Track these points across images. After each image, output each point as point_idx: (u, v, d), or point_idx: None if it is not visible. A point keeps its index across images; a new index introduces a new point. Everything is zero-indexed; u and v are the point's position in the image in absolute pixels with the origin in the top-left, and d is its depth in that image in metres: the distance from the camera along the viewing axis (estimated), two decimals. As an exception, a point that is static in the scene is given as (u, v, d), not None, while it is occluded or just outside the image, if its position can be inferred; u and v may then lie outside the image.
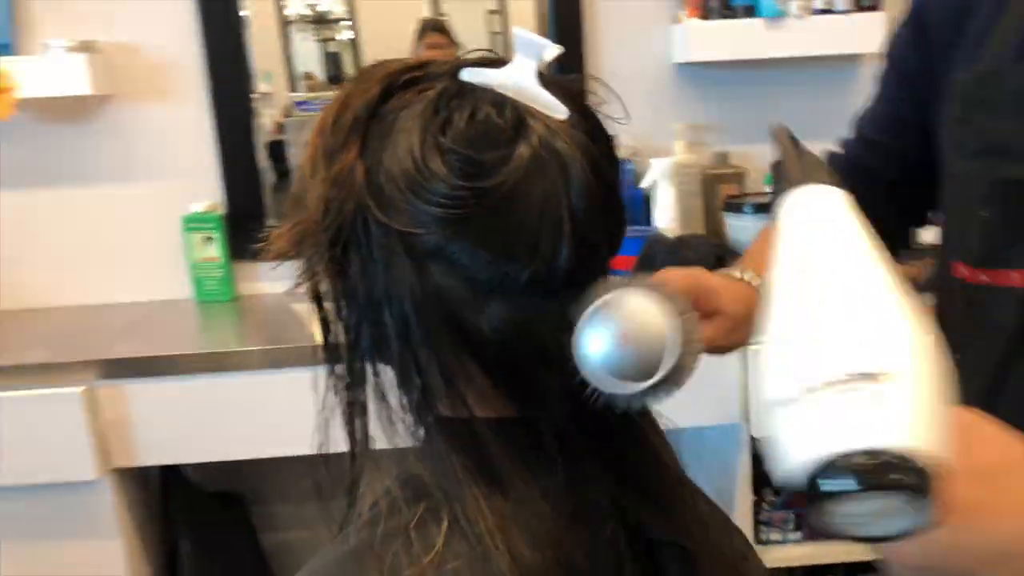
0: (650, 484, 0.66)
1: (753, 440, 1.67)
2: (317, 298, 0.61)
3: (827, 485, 0.41)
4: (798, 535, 1.87)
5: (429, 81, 0.59)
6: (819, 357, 0.44)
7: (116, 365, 1.66)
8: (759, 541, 1.84)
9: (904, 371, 0.43)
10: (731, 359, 1.62)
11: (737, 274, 0.89)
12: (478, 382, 0.59)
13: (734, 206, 1.85)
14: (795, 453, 0.43)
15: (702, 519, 0.69)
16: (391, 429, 0.61)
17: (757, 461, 1.68)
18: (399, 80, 0.59)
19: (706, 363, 1.82)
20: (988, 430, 0.49)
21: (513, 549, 0.57)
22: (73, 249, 2.08)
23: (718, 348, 0.83)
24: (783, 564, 1.87)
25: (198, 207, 2.01)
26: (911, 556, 0.47)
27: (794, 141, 0.61)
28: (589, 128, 0.59)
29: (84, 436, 1.62)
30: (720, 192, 1.99)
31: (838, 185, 0.57)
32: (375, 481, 0.64)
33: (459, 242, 0.55)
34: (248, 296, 2.08)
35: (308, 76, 2.15)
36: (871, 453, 0.41)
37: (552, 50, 0.60)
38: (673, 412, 1.79)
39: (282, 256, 0.60)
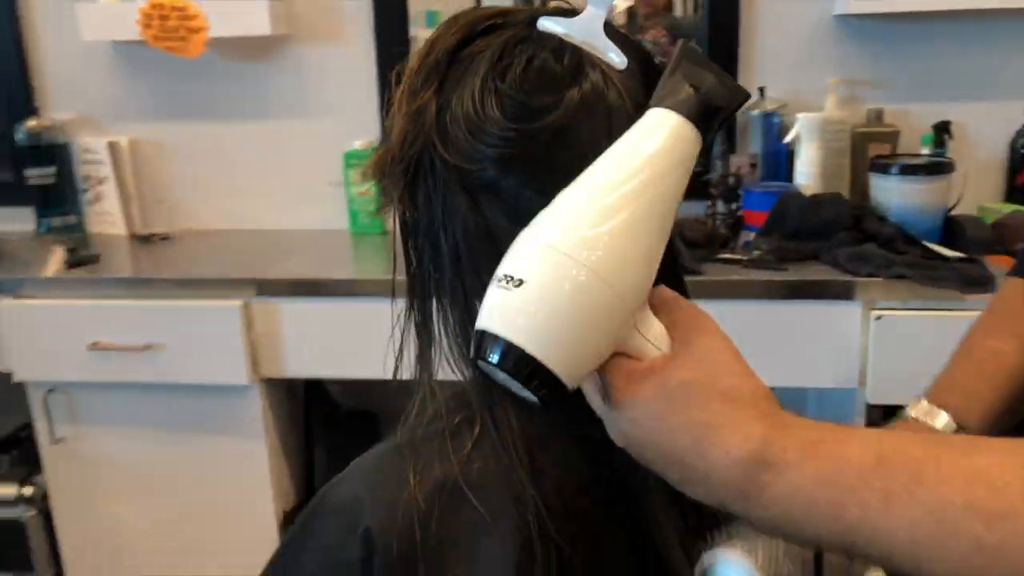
0: None
1: (869, 407, 1.63)
2: (402, 225, 0.67)
3: (476, 353, 0.55)
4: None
5: (508, 28, 0.64)
6: (508, 254, 0.55)
7: (272, 284, 1.82)
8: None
9: (533, 283, 0.53)
10: (853, 326, 1.59)
11: (912, 413, 0.85)
12: None
13: (881, 166, 1.78)
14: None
15: None
16: (451, 353, 0.67)
17: (873, 427, 1.64)
18: (480, 26, 0.64)
19: (827, 327, 1.82)
20: (718, 360, 0.55)
21: (535, 463, 0.63)
22: (247, 177, 2.27)
23: None
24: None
25: (358, 144, 2.15)
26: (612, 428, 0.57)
27: (684, 59, 0.59)
28: (647, 79, 0.63)
29: (240, 346, 1.80)
30: (871, 152, 1.91)
31: (693, 114, 0.57)
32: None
33: (508, 179, 0.60)
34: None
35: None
36: (487, 335, 0.53)
37: (622, 2, 0.65)
38: (793, 372, 1.79)
39: (369, 180, 0.68)
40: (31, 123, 2.27)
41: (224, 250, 2.15)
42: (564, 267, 0.53)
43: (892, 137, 1.93)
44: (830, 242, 1.66)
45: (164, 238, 2.25)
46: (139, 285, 1.88)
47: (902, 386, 1.59)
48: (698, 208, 1.94)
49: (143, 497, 1.97)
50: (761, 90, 1.99)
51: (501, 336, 0.53)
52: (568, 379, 0.53)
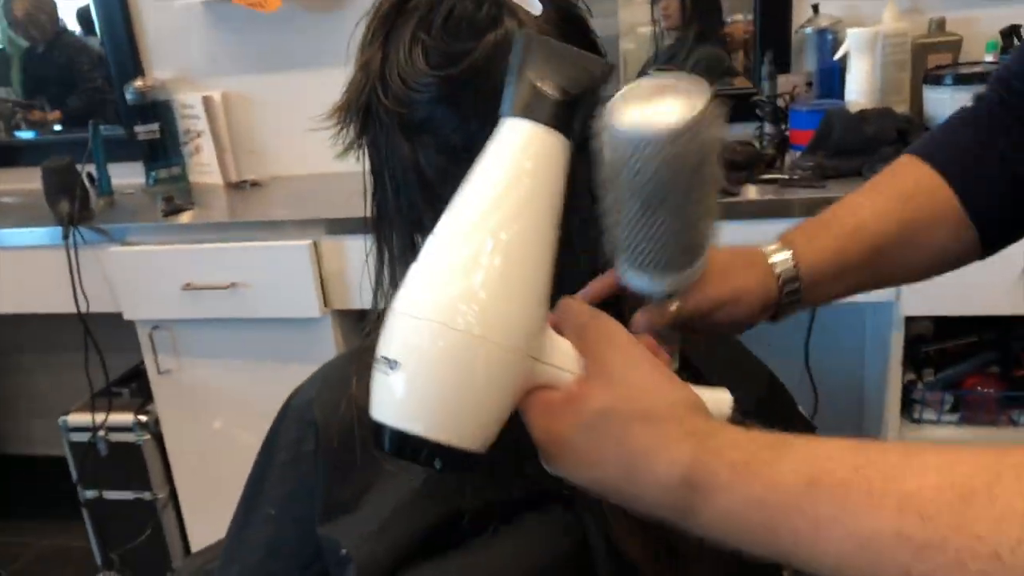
0: None
1: (907, 320, 1.62)
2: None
3: (375, 445, 0.52)
4: (954, 416, 1.80)
5: None
6: (383, 333, 0.53)
7: (339, 224, 1.94)
8: (912, 420, 1.79)
9: (409, 363, 0.50)
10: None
11: (768, 248, 0.77)
12: None
13: (934, 77, 1.72)
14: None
15: None
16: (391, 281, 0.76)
17: (913, 341, 1.63)
18: None
19: None
20: (630, 378, 0.53)
21: None
22: (320, 124, 2.40)
23: (706, 327, 0.73)
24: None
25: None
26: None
27: (527, 55, 0.55)
28: (562, 24, 0.69)
29: (311, 281, 1.94)
30: (930, 63, 1.85)
31: (546, 115, 0.53)
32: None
33: (436, 118, 0.67)
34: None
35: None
36: (380, 426, 0.51)
37: None
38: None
39: (331, 126, 0.77)
40: (138, 83, 2.45)
41: (303, 193, 2.30)
42: (437, 337, 0.50)
43: (953, 46, 1.86)
44: (873, 158, 1.63)
45: (255, 184, 2.42)
46: (223, 229, 2.04)
47: (934, 299, 1.58)
48: (748, 129, 1.93)
49: (237, 420, 2.16)
50: (815, 7, 1.94)
51: (388, 426, 0.51)
52: (476, 445, 0.52)
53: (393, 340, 0.52)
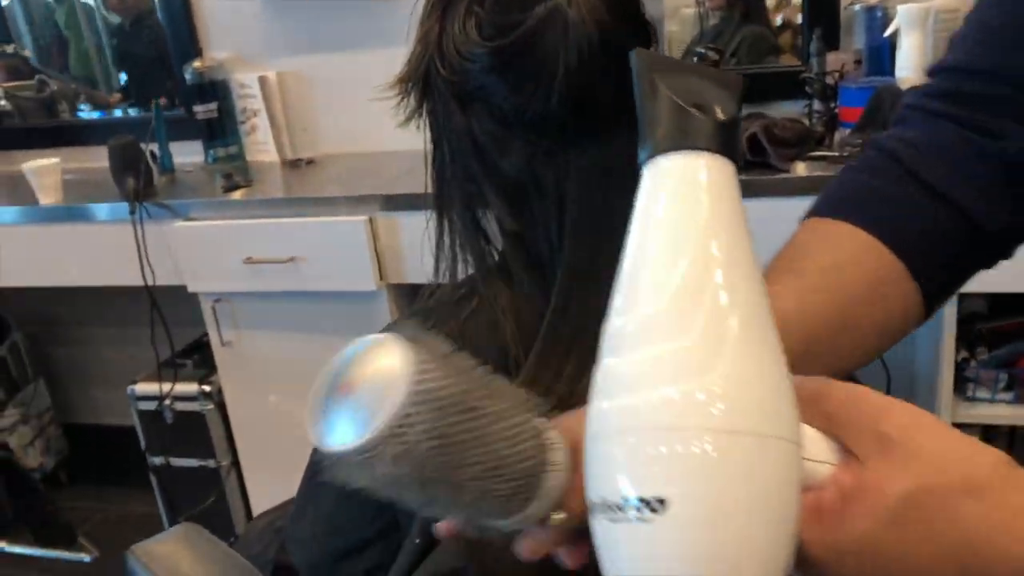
0: None
1: (961, 297, 1.63)
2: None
3: None
4: (1009, 395, 1.81)
5: None
6: (596, 468, 0.41)
7: (393, 200, 2.00)
8: (965, 398, 1.81)
9: (683, 494, 0.38)
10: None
11: None
12: (498, 205, 0.79)
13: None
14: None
15: None
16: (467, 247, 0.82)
17: (967, 319, 1.64)
18: None
19: None
20: (926, 446, 0.42)
21: (516, 320, 0.77)
22: (372, 104, 2.45)
23: None
24: (988, 422, 1.83)
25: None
26: None
27: (655, 74, 0.44)
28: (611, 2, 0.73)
29: (367, 256, 2.01)
30: (982, 38, 1.85)
31: (717, 143, 0.43)
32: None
33: (488, 85, 0.73)
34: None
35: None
36: None
37: None
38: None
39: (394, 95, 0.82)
40: (196, 64, 2.52)
41: (357, 170, 2.36)
42: (732, 448, 0.38)
43: (1006, 21, 1.85)
44: (922, 134, 1.65)
45: (310, 162, 2.49)
46: (282, 205, 2.12)
47: (988, 275, 1.59)
48: (797, 107, 1.94)
49: (296, 391, 2.22)
50: (865, -17, 1.95)
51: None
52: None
53: (639, 469, 0.39)
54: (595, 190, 0.75)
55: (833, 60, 1.94)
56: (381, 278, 2.03)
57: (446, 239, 0.82)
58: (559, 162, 0.74)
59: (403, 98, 0.79)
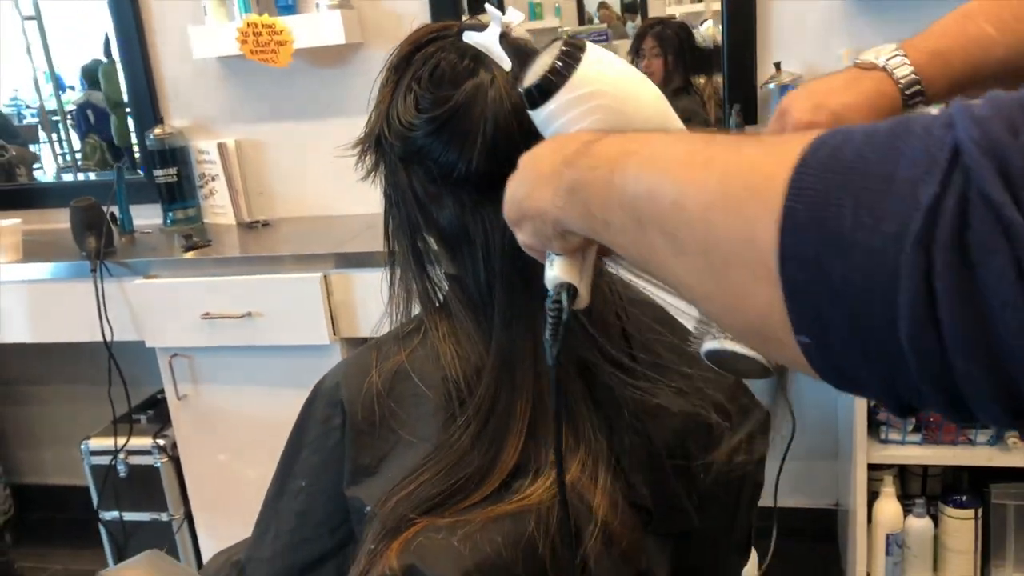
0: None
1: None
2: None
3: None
4: (917, 437, 1.96)
5: (444, 39, 0.89)
6: None
7: (347, 257, 2.13)
8: (879, 440, 1.96)
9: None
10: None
11: (873, 58, 0.78)
12: (439, 252, 0.92)
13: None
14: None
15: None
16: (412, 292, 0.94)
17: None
18: (426, 38, 0.89)
19: None
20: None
21: (454, 351, 0.89)
22: (329, 169, 2.59)
23: None
24: (901, 462, 1.99)
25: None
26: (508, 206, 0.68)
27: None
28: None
29: (321, 311, 2.12)
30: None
31: None
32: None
33: (424, 148, 0.85)
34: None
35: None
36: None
37: (513, 17, 0.88)
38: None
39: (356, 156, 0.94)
40: (157, 131, 2.65)
41: (310, 232, 2.49)
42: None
43: (901, 100, 2.06)
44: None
45: (265, 224, 2.61)
46: (240, 263, 2.23)
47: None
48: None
49: (250, 443, 2.31)
50: (777, 65, 2.16)
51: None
52: None
53: None
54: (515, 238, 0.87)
55: (751, 133, 2.14)
56: (334, 332, 2.14)
57: (396, 283, 0.95)
58: (484, 215, 0.86)
59: (361, 157, 0.92)
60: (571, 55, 0.68)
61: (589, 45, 0.70)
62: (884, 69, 0.76)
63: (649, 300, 0.94)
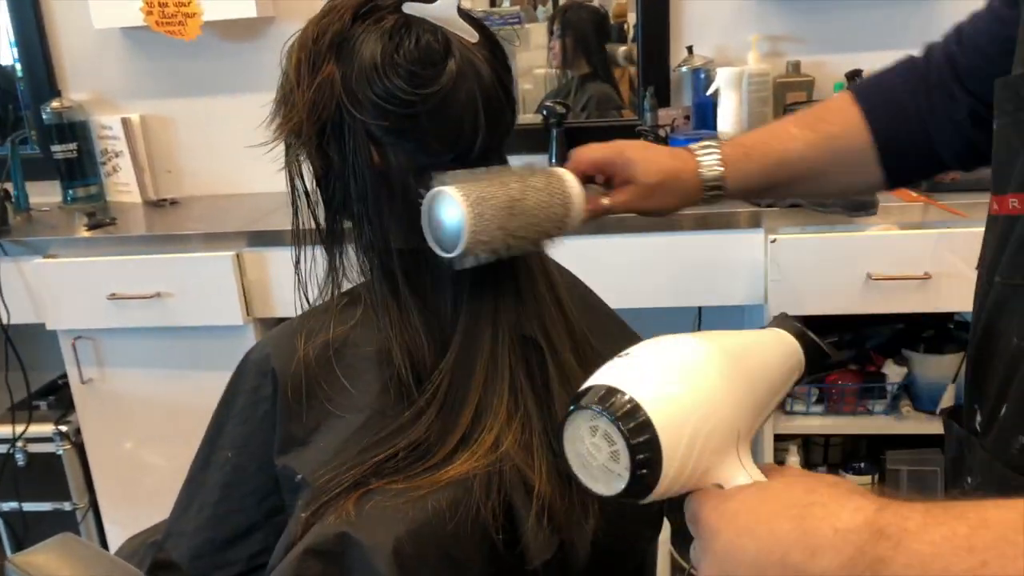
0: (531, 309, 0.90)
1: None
2: (299, 177, 0.90)
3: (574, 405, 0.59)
4: (820, 407, 2.05)
5: (380, 12, 0.85)
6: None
7: (259, 236, 2.09)
8: (785, 412, 2.04)
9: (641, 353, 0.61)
10: (756, 249, 1.82)
11: (693, 146, 0.97)
12: (396, 227, 0.89)
13: (792, 111, 1.99)
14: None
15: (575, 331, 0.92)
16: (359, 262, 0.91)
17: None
18: (360, 11, 0.85)
19: (736, 248, 2.06)
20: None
21: (401, 328, 0.87)
22: (239, 146, 2.53)
23: (640, 211, 0.98)
24: (805, 432, 2.08)
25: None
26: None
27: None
28: (491, 47, 0.86)
29: (234, 290, 2.08)
30: (788, 100, 2.12)
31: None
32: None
33: (408, 131, 0.82)
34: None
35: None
36: (601, 388, 0.57)
37: None
38: (707, 292, 2.01)
39: (278, 143, 0.91)
40: (54, 104, 2.54)
41: (221, 210, 2.43)
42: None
43: (807, 86, 2.14)
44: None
45: (173, 203, 2.53)
46: (147, 242, 2.16)
47: (800, 300, 1.83)
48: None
49: (160, 428, 2.25)
50: (689, 49, 2.21)
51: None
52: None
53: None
54: None
55: (664, 116, 2.18)
56: (248, 313, 2.10)
57: (318, 259, 0.93)
58: None
59: (292, 143, 0.87)
60: (639, 446, 0.56)
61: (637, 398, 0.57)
62: (690, 151, 0.96)
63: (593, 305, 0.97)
